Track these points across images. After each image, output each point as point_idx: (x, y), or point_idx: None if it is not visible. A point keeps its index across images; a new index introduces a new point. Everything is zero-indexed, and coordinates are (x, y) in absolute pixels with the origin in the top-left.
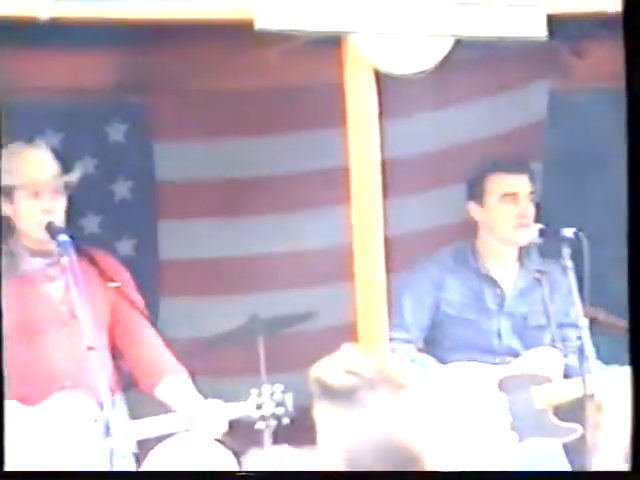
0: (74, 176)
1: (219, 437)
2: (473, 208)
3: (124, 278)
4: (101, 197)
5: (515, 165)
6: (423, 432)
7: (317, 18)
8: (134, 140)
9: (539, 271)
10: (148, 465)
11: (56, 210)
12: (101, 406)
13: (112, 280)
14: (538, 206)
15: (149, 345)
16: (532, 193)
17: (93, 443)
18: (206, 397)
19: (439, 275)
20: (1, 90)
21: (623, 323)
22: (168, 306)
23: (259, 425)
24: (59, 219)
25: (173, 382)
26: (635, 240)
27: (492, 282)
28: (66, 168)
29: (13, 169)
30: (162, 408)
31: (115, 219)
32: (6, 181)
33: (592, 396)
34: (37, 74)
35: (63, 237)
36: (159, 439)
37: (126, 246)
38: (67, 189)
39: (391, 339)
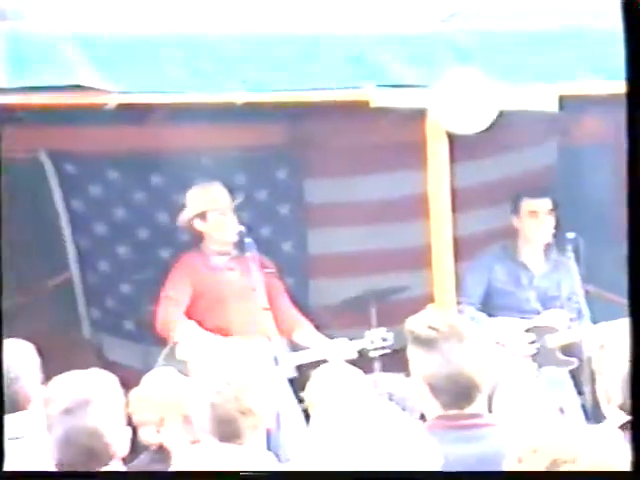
0: (237, 201)
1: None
2: (515, 219)
3: (273, 267)
4: (271, 215)
5: (539, 191)
6: (480, 366)
7: (410, 98)
8: (292, 178)
9: (555, 260)
10: (310, 382)
11: (234, 223)
12: (272, 345)
13: (268, 268)
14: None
15: (287, 308)
16: (551, 210)
17: (268, 368)
18: (335, 337)
19: (491, 262)
20: (209, 149)
21: (607, 294)
22: (314, 284)
23: (372, 354)
24: (238, 228)
25: (304, 331)
26: (635, 240)
27: (525, 267)
28: (235, 197)
29: (204, 199)
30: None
31: (280, 228)
32: (201, 207)
33: (583, 342)
34: (233, 139)
35: (248, 240)
36: (309, 365)
37: (287, 246)
38: (235, 210)
39: (459, 303)
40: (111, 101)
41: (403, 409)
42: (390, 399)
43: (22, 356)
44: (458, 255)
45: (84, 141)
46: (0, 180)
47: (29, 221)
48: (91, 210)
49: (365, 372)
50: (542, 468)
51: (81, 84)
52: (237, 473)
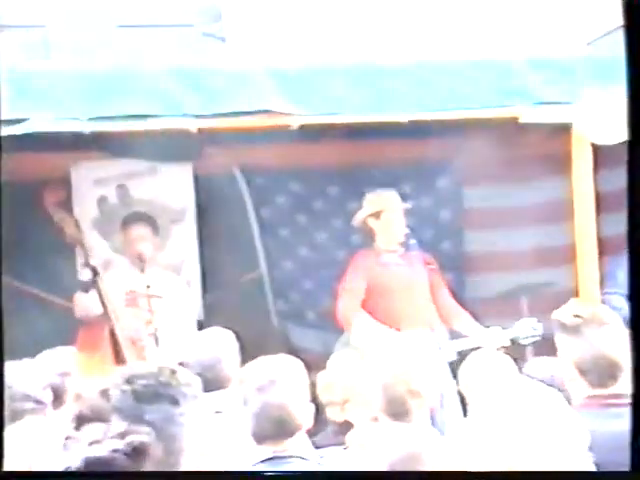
0: (407, 206)
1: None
2: None
3: (435, 263)
4: (431, 219)
5: None
6: (621, 348)
7: (556, 114)
8: (452, 186)
9: None
10: (465, 367)
11: (403, 225)
12: (434, 333)
13: (430, 264)
14: None
15: (447, 300)
16: None
17: (432, 355)
18: (490, 327)
19: None
20: (379, 162)
21: None
22: (471, 279)
23: (522, 342)
24: (405, 230)
25: (463, 320)
26: (635, 239)
27: None
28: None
29: (380, 201)
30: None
31: (439, 230)
32: (376, 207)
33: None
34: (399, 153)
35: (413, 241)
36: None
37: (445, 244)
38: (405, 213)
39: (606, 293)
40: (294, 122)
41: (559, 390)
42: (548, 382)
43: (223, 342)
44: (601, 253)
45: (271, 158)
46: (199, 192)
47: (226, 227)
48: (277, 217)
49: (517, 359)
50: None
51: (269, 109)
52: (239, 473)
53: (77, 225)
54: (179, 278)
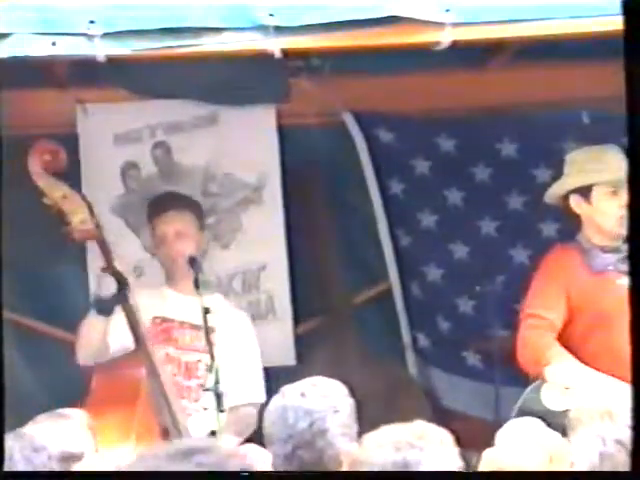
0: None
1: None
2: None
3: None
4: None
5: None
6: None
7: None
8: None
9: None
10: None
11: (624, 206)
12: None
13: None
14: None
15: None
16: None
17: None
18: None
19: None
20: (584, 99)
21: None
22: None
23: None
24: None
25: None
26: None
27: None
28: None
29: (592, 167)
30: None
31: None
32: (585, 179)
33: None
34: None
35: None
36: None
37: None
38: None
39: None
40: (444, 38)
41: None
42: None
43: (329, 400)
44: None
45: (405, 97)
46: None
47: (331, 210)
48: (416, 194)
49: None
50: None
51: (400, 15)
52: (237, 473)
53: (90, 210)
54: (255, 297)
